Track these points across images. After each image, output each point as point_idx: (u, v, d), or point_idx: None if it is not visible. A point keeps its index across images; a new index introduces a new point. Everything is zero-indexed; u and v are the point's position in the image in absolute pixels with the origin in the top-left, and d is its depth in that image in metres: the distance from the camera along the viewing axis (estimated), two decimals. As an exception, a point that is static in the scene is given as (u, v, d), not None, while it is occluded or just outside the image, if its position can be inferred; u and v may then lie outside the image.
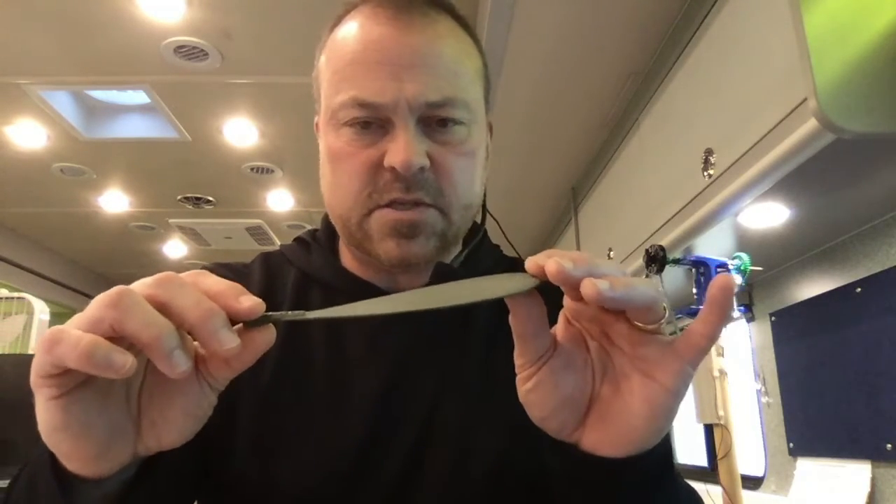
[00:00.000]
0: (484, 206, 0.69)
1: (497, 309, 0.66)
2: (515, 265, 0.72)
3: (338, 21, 0.60)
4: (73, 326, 0.34)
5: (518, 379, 0.43)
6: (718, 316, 0.38)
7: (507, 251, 0.75)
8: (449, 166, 0.57)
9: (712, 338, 0.38)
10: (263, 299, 0.61)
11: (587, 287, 0.36)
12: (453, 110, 0.56)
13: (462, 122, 0.57)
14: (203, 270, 0.40)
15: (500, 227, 0.75)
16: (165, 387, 0.39)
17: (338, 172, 0.58)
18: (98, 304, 0.35)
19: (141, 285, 0.37)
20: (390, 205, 0.56)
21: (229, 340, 0.36)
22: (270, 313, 0.38)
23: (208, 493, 0.58)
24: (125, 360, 0.33)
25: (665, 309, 0.39)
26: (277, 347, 0.59)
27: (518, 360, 0.42)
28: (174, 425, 0.39)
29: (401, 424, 0.58)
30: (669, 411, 0.40)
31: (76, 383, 0.36)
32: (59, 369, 0.34)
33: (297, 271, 0.66)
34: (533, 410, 0.43)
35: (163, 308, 0.35)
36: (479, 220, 0.69)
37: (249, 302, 0.37)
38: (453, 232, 0.59)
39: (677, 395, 0.39)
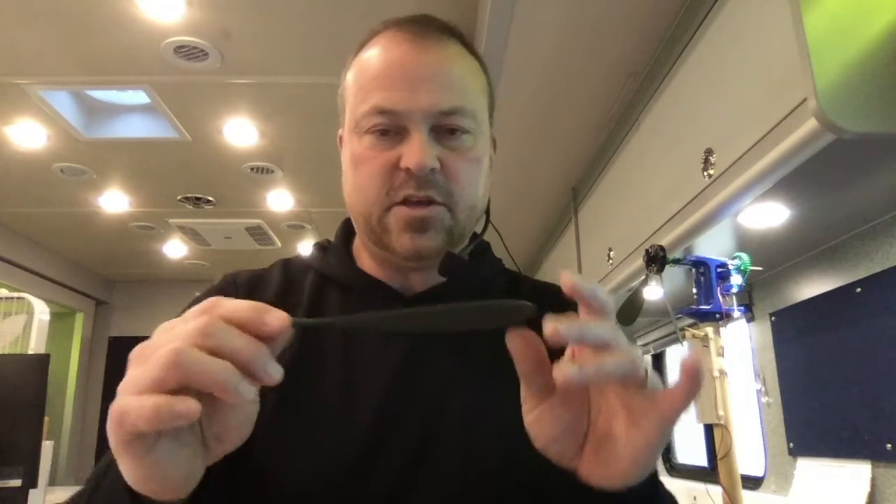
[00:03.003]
0: (488, 216, 0.74)
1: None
2: (515, 278, 0.78)
3: (362, 46, 0.68)
4: (132, 387, 0.38)
5: (522, 409, 0.47)
6: (691, 386, 0.42)
7: (508, 263, 0.80)
8: (457, 169, 0.63)
9: (688, 401, 0.42)
10: (280, 299, 0.68)
11: (557, 374, 0.41)
12: (462, 119, 0.63)
13: (469, 130, 0.64)
14: (220, 298, 0.42)
15: (501, 238, 0.81)
16: (219, 404, 0.42)
17: (359, 175, 0.64)
18: (157, 366, 0.37)
19: (187, 336, 0.38)
20: (405, 202, 0.62)
21: (275, 371, 0.40)
22: (295, 320, 0.42)
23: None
24: (189, 408, 0.36)
25: (646, 372, 0.43)
26: (293, 345, 0.63)
27: (522, 392, 0.47)
28: (235, 432, 0.43)
29: (407, 423, 0.61)
30: (651, 456, 0.44)
31: (154, 440, 0.39)
32: (136, 437, 0.38)
33: (315, 273, 0.71)
34: (534, 439, 0.47)
35: (215, 353, 0.38)
36: (480, 230, 0.75)
37: (276, 322, 0.40)
38: (459, 229, 0.65)
39: (658, 445, 0.43)
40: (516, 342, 0.44)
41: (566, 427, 0.46)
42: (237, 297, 0.64)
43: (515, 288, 0.76)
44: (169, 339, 0.38)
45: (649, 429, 0.43)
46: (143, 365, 0.38)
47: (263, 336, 0.40)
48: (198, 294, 0.69)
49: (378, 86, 0.63)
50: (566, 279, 0.42)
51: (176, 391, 0.37)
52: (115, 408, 0.37)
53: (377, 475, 0.59)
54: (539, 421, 0.46)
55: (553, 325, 0.40)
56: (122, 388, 0.38)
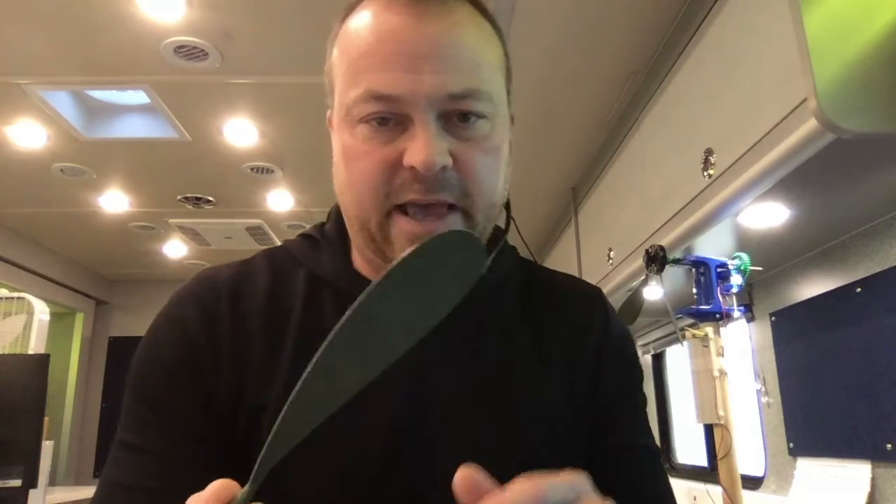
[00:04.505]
0: (508, 207, 0.65)
1: (516, 316, 0.63)
2: (531, 271, 0.70)
3: (350, 10, 0.57)
4: None
5: None
6: None
7: (523, 252, 0.73)
8: (473, 164, 0.53)
9: None
10: (269, 304, 0.59)
11: None
12: (476, 103, 0.53)
13: (485, 115, 0.54)
14: None
15: (518, 229, 0.72)
16: None
17: (353, 172, 0.54)
18: None
19: None
20: (407, 207, 0.53)
21: None
22: (241, 496, 0.36)
23: None
24: None
25: None
26: (292, 356, 0.57)
27: None
28: None
29: (417, 433, 0.56)
30: None
31: None
32: None
33: (307, 273, 0.61)
34: None
35: None
36: (500, 222, 0.67)
37: None
38: (476, 235, 0.57)
39: None
40: (460, 484, 0.35)
41: None
42: (219, 305, 0.58)
43: (530, 284, 0.66)
44: None
45: None
46: None
47: None
48: (169, 304, 0.60)
49: (370, 65, 0.52)
50: (461, 479, 0.34)
51: None
52: None
53: (387, 490, 0.55)
54: None
55: None
56: None
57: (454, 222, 0.53)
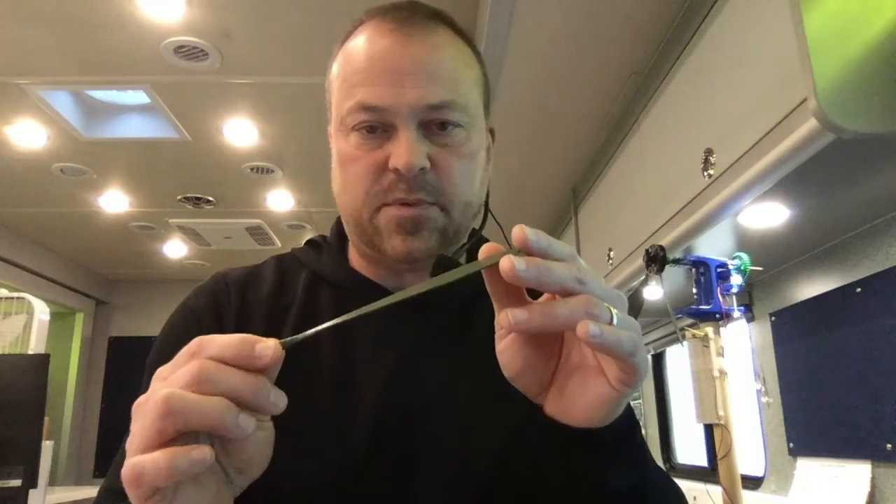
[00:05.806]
0: (486, 208, 0.71)
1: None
2: None
3: (347, 36, 0.65)
4: (138, 443, 0.37)
5: (496, 336, 0.47)
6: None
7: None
8: (449, 167, 0.60)
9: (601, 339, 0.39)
10: (273, 299, 0.66)
11: (502, 318, 0.41)
12: (452, 113, 0.60)
13: (461, 125, 0.61)
14: (206, 338, 0.40)
15: (503, 232, 0.76)
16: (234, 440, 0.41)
17: (347, 175, 0.62)
18: (152, 417, 0.37)
19: (179, 382, 0.38)
20: (393, 203, 0.59)
21: (280, 399, 0.40)
22: (284, 341, 0.41)
23: None
24: (203, 453, 0.37)
25: (612, 313, 0.41)
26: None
27: (496, 320, 0.45)
28: (256, 461, 0.43)
29: (403, 422, 0.60)
30: (614, 404, 0.43)
31: (173, 490, 0.39)
32: (155, 491, 0.38)
33: (309, 272, 0.69)
34: (504, 369, 0.47)
35: (213, 393, 0.38)
36: (478, 225, 0.72)
37: (268, 353, 0.40)
38: (454, 228, 0.62)
39: (622, 395, 0.43)
40: (492, 272, 0.42)
41: (531, 364, 0.45)
42: (229, 297, 0.66)
43: None
44: (161, 388, 0.38)
45: (613, 377, 0.42)
46: (141, 418, 0.38)
47: (257, 369, 0.39)
48: (186, 299, 0.68)
49: (361, 80, 0.60)
50: (518, 233, 0.40)
51: (186, 438, 0.38)
52: (128, 468, 0.37)
53: (374, 478, 0.58)
54: (505, 353, 0.45)
55: (510, 265, 0.38)
56: (129, 445, 0.38)
57: (434, 213, 0.60)
